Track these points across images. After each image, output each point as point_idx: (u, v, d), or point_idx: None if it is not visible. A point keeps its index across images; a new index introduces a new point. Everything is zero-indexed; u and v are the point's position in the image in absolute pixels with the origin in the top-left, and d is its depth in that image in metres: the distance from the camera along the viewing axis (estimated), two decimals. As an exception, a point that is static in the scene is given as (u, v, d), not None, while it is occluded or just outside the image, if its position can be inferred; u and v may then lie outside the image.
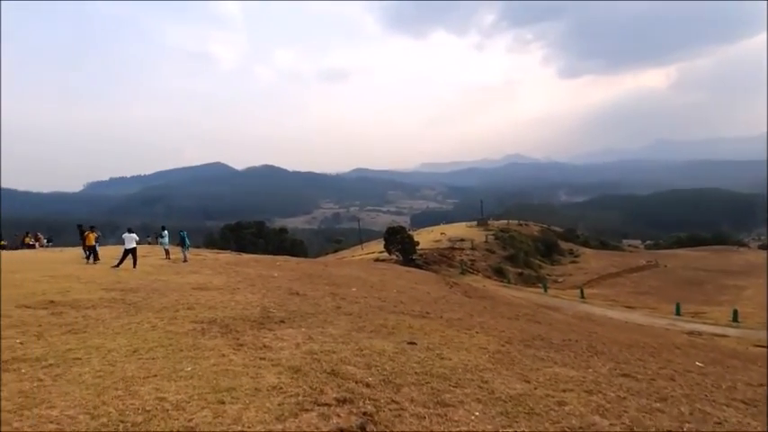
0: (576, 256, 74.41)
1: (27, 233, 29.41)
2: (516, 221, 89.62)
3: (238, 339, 6.28)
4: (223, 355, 5.27)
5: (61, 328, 6.23)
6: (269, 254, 41.84)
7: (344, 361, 5.69)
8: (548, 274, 61.16)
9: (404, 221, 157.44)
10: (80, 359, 4.73)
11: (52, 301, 8.29)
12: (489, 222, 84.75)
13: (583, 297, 39.37)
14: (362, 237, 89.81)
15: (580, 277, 57.90)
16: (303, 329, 7.78)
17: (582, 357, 8.60)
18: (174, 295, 10.07)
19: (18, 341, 5.36)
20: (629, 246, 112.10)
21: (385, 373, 5.32)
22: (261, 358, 5.39)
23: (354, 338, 7.24)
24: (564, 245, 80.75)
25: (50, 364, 4.50)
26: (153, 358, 4.89)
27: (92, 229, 18.14)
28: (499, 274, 57.10)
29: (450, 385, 4.96)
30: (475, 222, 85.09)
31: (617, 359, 8.33)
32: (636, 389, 5.81)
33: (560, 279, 58.54)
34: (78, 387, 3.86)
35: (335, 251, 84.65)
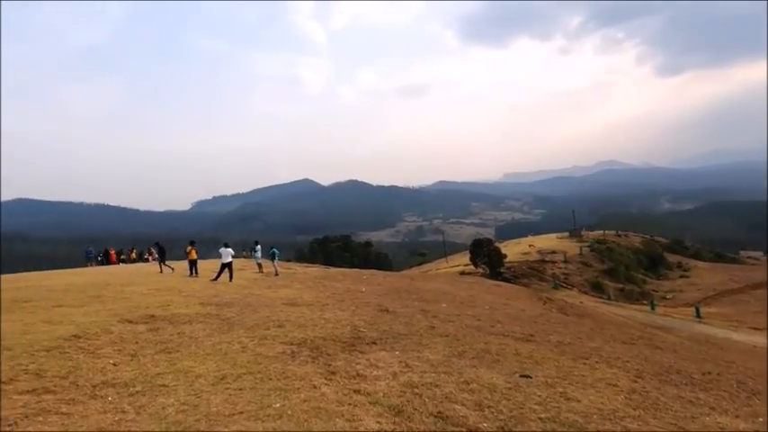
0: (685, 270, 66.23)
1: (148, 249, 32.53)
2: (614, 232, 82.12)
3: (330, 366, 5.71)
4: (314, 387, 4.70)
5: (156, 346, 6.13)
6: (355, 267, 42.23)
7: (450, 398, 4.84)
8: (654, 290, 55.01)
9: (488, 233, 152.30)
10: (167, 386, 4.44)
11: (153, 316, 8.45)
12: (583, 233, 78.59)
13: (699, 316, 34.57)
14: (446, 249, 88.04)
15: (693, 294, 51.26)
16: (397, 353, 7.06)
17: (739, 399, 6.93)
18: (266, 311, 9.92)
19: (112, 362, 5.28)
20: (749, 258, 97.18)
21: (502, 417, 4.38)
22: (356, 391, 4.73)
23: (456, 367, 6.35)
24: (671, 257, 72.39)
25: (137, 392, 4.25)
26: (240, 389, 4.46)
27: (192, 244, 19.15)
28: (597, 289, 52.46)
29: (589, 440, 3.90)
30: (567, 233, 79.48)
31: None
32: None
33: (669, 296, 52.37)
34: (159, 424, 3.48)
35: (420, 264, 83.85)
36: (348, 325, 8.97)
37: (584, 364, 7.91)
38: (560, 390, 5.62)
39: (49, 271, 22.67)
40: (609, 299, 46.16)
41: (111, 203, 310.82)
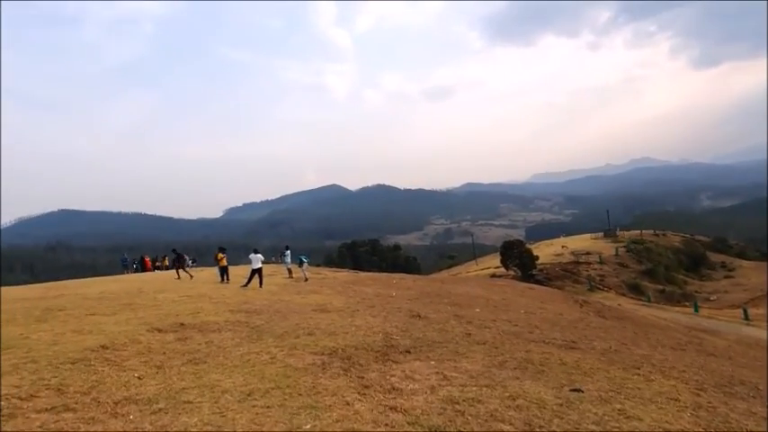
0: (730, 270, 62.98)
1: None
2: (651, 231, 78.78)
3: (363, 378, 5.34)
4: (347, 404, 4.34)
5: (183, 357, 5.93)
6: (383, 271, 41.97)
7: (496, 416, 4.39)
8: (696, 291, 52.55)
9: (518, 235, 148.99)
10: (191, 403, 4.17)
11: (182, 324, 8.31)
12: (618, 233, 75.71)
13: (747, 318, 32.65)
14: (476, 252, 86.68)
15: (739, 295, 48.64)
16: (433, 363, 6.64)
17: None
18: (295, 318, 9.67)
19: (137, 375, 5.08)
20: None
21: (557, 440, 3.90)
22: (392, 408, 4.35)
23: (498, 379, 5.88)
24: (713, 257, 68.93)
25: (160, 409, 4.00)
26: (268, 406, 4.15)
27: (222, 251, 19.22)
28: (635, 291, 50.51)
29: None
30: (601, 234, 76.80)
31: None
32: None
33: (713, 297, 49.90)
34: (180, 448, 3.20)
35: (449, 267, 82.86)
36: (380, 332, 8.60)
37: (637, 374, 7.29)
38: (617, 406, 5.09)
39: (88, 279, 23.28)
40: (649, 301, 44.32)
41: (148, 212, 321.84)
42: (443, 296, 17.90)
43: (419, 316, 11.59)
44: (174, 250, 22.37)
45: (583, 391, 5.55)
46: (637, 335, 14.99)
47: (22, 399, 4.15)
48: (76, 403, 4.09)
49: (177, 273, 20.06)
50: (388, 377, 5.61)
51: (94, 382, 4.76)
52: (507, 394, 5.13)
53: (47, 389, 4.48)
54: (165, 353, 6.12)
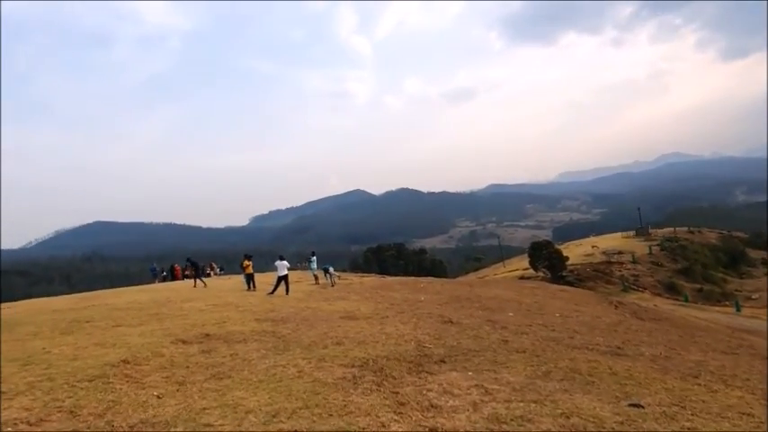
0: (772, 267, 59.60)
1: (209, 264, 33.74)
2: (685, 228, 75.51)
3: (397, 393, 4.92)
4: (383, 425, 3.93)
5: (206, 371, 5.63)
6: (409, 275, 41.44)
7: (551, 438, 3.89)
8: (737, 290, 49.91)
9: (545, 236, 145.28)
10: (212, 426, 3.84)
11: (207, 335, 8.07)
12: (651, 231, 72.88)
13: (792, 317, 30.73)
14: (503, 253, 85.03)
15: (782, 292, 45.89)
16: (470, 373, 6.16)
17: None
18: (323, 326, 9.33)
19: (156, 393, 4.79)
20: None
21: (625, 468, 3.38)
22: (432, 430, 3.91)
23: (545, 392, 5.36)
24: (753, 253, 65.52)
25: (177, 433, 3.66)
26: (296, 430, 3.76)
27: (248, 258, 19.17)
28: (672, 290, 48.41)
29: None
30: (632, 232, 74.08)
31: None
32: None
33: (755, 296, 47.24)
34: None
35: (476, 270, 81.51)
36: (412, 340, 8.16)
37: (697, 384, 6.63)
38: (686, 424, 4.51)
39: (119, 289, 23.60)
40: (686, 301, 42.38)
41: (177, 222, 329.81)
42: (473, 300, 17.31)
43: (451, 321, 11.10)
44: (188, 259, 22.34)
45: (643, 407, 4.98)
46: (682, 338, 14.08)
47: (30, 424, 3.90)
48: (89, 428, 3.81)
49: (194, 282, 20.07)
50: (424, 392, 5.17)
51: (110, 402, 4.48)
52: (559, 411, 4.62)
53: (59, 411, 4.22)
54: (188, 366, 5.84)
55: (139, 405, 4.43)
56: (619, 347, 9.04)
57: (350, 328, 9.20)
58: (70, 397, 4.63)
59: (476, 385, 5.57)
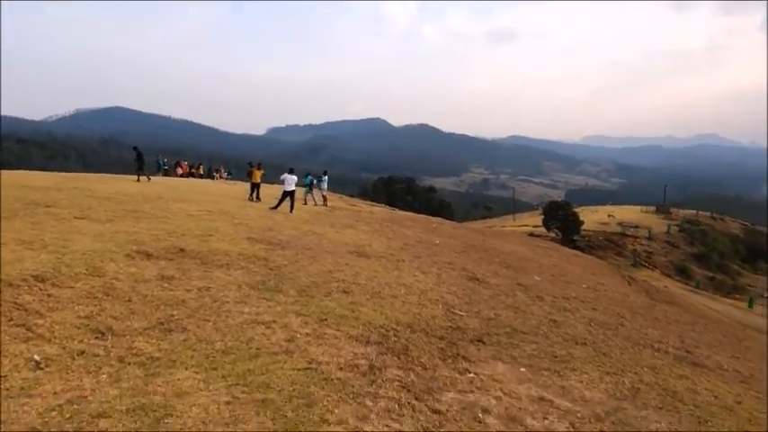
0: (790, 268, 57.46)
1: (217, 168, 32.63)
2: (708, 213, 72.30)
3: (431, 396, 3.16)
4: None
5: (152, 316, 3.85)
6: (416, 211, 39.76)
7: None
8: (749, 285, 48.17)
9: (557, 196, 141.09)
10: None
11: (182, 249, 6.34)
12: (672, 211, 69.92)
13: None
14: (514, 207, 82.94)
15: (795, 296, 44.27)
16: (523, 370, 4.43)
17: None
18: (328, 261, 7.59)
19: (38, 358, 2.98)
20: None
21: None
22: None
23: (638, 424, 3.61)
24: (773, 250, 62.98)
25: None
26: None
27: (258, 166, 17.42)
28: (683, 274, 46.81)
29: None
30: (653, 208, 71.15)
31: None
32: None
33: (766, 293, 45.67)
34: None
35: (483, 218, 79.88)
36: (438, 301, 6.41)
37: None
38: None
39: (117, 175, 22.07)
40: (697, 287, 40.87)
41: (194, 120, 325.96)
42: (492, 253, 15.58)
43: (476, 279, 9.36)
44: (135, 148, 19.21)
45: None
46: (726, 337, 12.46)
47: None
48: None
49: (138, 175, 18.08)
50: (466, 394, 3.42)
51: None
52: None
53: None
54: (129, 300, 4.06)
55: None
56: (688, 351, 7.27)
57: (360, 269, 7.45)
58: None
59: (537, 397, 3.82)
